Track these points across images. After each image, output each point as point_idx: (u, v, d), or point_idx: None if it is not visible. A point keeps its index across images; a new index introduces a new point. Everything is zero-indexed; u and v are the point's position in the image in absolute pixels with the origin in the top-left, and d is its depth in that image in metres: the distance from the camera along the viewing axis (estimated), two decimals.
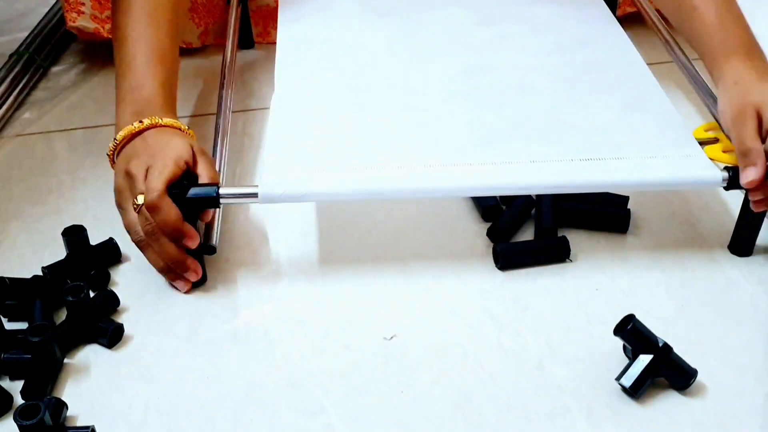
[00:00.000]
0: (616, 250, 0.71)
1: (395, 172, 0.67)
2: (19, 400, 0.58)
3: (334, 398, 0.58)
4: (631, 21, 1.00)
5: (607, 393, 0.57)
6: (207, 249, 0.67)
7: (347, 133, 0.72)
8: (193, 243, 0.64)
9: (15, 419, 0.52)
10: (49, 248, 0.72)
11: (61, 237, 0.68)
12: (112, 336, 0.62)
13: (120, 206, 0.66)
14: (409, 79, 0.79)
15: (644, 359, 0.57)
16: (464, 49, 0.83)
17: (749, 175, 0.63)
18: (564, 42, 0.84)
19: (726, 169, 0.65)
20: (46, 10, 1.14)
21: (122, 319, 0.65)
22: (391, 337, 0.62)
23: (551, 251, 0.69)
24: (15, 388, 0.58)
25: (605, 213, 0.73)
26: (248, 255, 0.71)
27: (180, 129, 0.68)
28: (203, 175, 0.66)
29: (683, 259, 0.69)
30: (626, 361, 0.59)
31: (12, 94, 0.95)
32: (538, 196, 0.73)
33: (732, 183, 0.65)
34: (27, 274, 0.67)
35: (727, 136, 0.68)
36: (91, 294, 0.65)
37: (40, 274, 0.68)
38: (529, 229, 0.73)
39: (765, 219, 0.70)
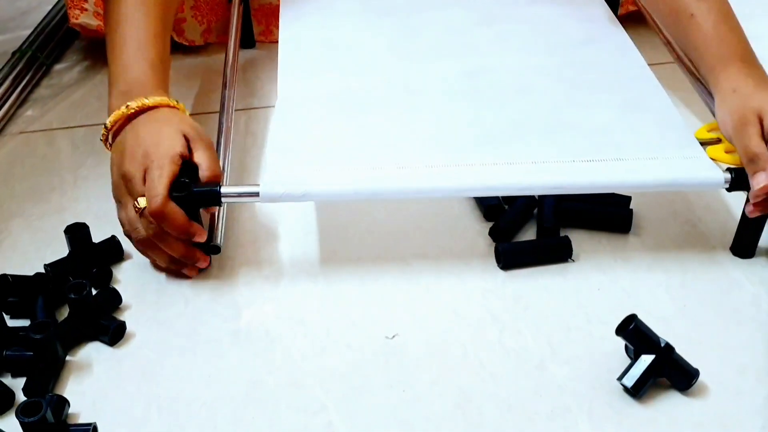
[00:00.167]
0: (618, 250, 0.71)
1: (396, 172, 0.67)
2: (21, 397, 0.58)
3: (334, 397, 0.58)
4: (633, 21, 0.99)
5: (608, 393, 0.57)
6: (211, 249, 0.67)
7: (348, 134, 0.72)
8: (202, 237, 0.65)
9: (17, 416, 0.52)
10: (52, 246, 0.72)
11: (63, 234, 0.69)
12: (113, 334, 0.62)
13: (117, 200, 0.67)
14: (410, 79, 0.79)
15: (646, 359, 0.57)
16: (464, 50, 0.83)
17: (762, 181, 0.63)
18: (564, 42, 0.84)
19: (729, 170, 0.65)
20: (49, 7, 1.14)
21: (124, 316, 0.65)
22: (393, 337, 0.62)
23: (553, 251, 0.69)
24: (17, 385, 0.58)
25: (607, 213, 0.73)
26: (250, 254, 0.71)
27: (168, 105, 0.68)
28: (202, 165, 0.65)
29: (685, 259, 0.69)
30: (627, 361, 0.59)
31: (15, 92, 0.95)
32: (540, 195, 0.73)
33: (734, 184, 0.65)
34: (29, 272, 0.67)
35: (730, 142, 0.68)
36: (93, 291, 0.65)
37: (43, 271, 0.68)
38: (531, 229, 0.73)
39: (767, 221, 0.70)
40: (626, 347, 0.59)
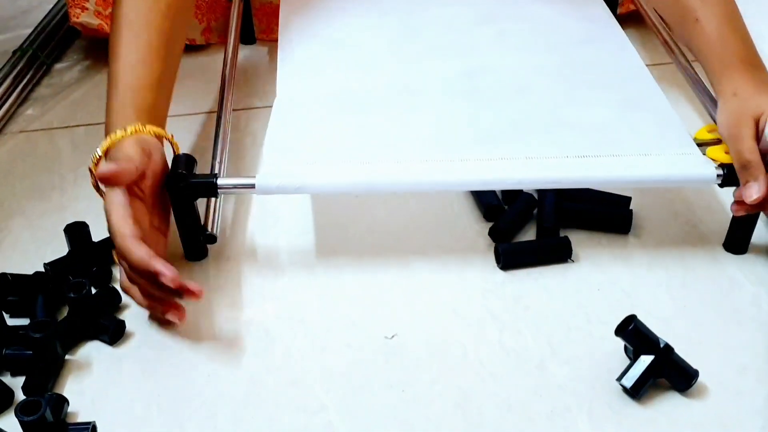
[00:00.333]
0: (618, 250, 0.71)
1: (392, 166, 0.67)
2: (20, 396, 0.58)
3: (334, 396, 0.58)
4: (632, 22, 1.00)
5: (608, 393, 0.57)
6: (208, 238, 0.68)
7: (347, 131, 0.72)
8: (166, 278, 0.58)
9: (16, 415, 0.52)
10: (52, 245, 0.72)
11: (63, 233, 0.69)
12: (113, 333, 0.62)
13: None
14: (409, 77, 0.79)
15: (645, 360, 0.57)
16: (464, 48, 0.83)
17: (752, 194, 0.63)
18: (564, 41, 0.84)
19: (720, 166, 0.65)
20: (50, 6, 1.14)
21: (124, 315, 0.65)
22: (392, 336, 0.62)
23: (553, 251, 0.69)
24: (16, 384, 0.58)
25: (607, 213, 0.73)
26: (250, 254, 0.71)
27: (134, 136, 0.64)
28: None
29: (685, 259, 0.69)
30: (627, 361, 0.59)
31: (15, 91, 0.95)
32: (540, 195, 0.73)
33: (726, 180, 0.65)
34: (29, 270, 0.67)
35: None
36: (93, 291, 0.65)
37: (42, 270, 0.68)
38: (531, 229, 0.73)
39: (760, 218, 0.70)
40: (626, 348, 0.59)
